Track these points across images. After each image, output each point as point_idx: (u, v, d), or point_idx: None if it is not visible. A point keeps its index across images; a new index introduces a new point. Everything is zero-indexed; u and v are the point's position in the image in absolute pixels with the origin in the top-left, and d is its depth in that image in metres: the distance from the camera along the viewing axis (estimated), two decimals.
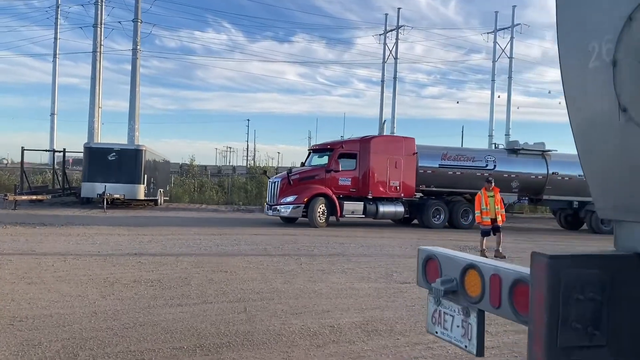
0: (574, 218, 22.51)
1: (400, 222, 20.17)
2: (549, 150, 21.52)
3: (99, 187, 21.82)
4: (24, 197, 21.05)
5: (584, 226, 22.04)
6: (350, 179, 18.19)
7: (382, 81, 55.80)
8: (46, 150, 25.57)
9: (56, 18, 43.67)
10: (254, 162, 47.87)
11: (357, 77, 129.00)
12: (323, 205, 17.47)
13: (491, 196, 11.62)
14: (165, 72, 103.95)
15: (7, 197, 20.15)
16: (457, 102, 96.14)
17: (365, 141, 18.71)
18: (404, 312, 6.41)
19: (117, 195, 22.02)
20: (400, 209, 18.75)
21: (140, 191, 22.79)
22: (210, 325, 5.51)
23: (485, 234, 11.67)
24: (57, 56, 44.58)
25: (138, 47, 38.40)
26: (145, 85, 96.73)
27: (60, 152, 25.65)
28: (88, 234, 13.28)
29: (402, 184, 18.74)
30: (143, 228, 15.15)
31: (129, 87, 37.78)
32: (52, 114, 43.98)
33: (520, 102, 76.65)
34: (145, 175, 23.06)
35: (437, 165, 19.90)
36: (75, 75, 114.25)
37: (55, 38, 43.83)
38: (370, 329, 5.63)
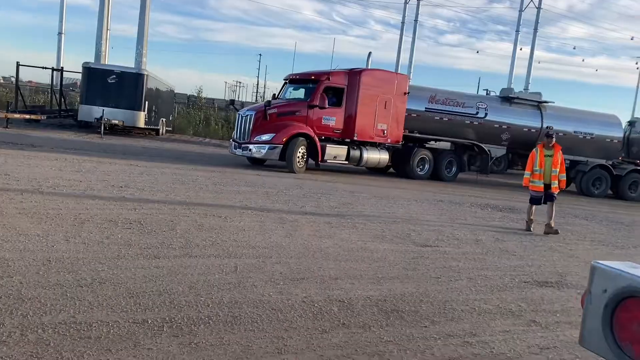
0: None
1: (378, 170, 17.58)
2: (545, 102, 19.55)
3: (96, 111, 20.52)
4: (17, 116, 19.83)
5: (571, 187, 20.53)
6: (334, 119, 15.49)
7: (403, 23, 52.90)
8: (43, 68, 24.08)
9: None
10: (263, 98, 46.19)
11: (375, 18, 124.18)
12: (304, 147, 14.83)
13: (549, 155, 9.41)
14: None
15: None
16: (477, 52, 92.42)
17: (354, 74, 15.82)
18: (429, 286, 5.25)
19: (115, 121, 20.76)
20: (385, 156, 16.47)
21: (140, 119, 21.49)
22: (189, 288, 4.36)
23: (534, 201, 9.53)
24: None
25: None
26: (156, 11, 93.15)
27: (58, 70, 24.19)
28: (76, 161, 12.10)
29: (390, 128, 16.31)
30: (137, 159, 13.95)
31: (139, 10, 35.72)
32: (60, 33, 41.89)
33: (540, 57, 72.97)
34: (147, 102, 21.69)
35: (424, 109, 17.61)
36: None
37: None
38: (389, 308, 4.47)
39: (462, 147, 18.60)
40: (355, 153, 15.76)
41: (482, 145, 18.44)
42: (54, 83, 25.09)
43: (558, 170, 9.43)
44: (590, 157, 19.43)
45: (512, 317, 4.61)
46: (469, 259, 6.70)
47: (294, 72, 17.21)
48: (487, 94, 20.90)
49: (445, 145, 18.19)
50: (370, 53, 19.16)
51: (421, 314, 4.41)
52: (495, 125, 18.60)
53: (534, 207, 9.60)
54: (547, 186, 9.47)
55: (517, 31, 53.52)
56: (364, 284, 5.06)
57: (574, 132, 19.34)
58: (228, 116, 32.48)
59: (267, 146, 14.63)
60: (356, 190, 12.46)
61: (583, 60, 72.99)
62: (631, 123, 21.36)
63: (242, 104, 30.42)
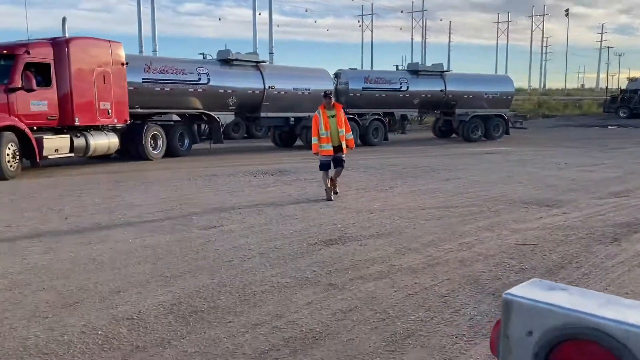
0: (287, 135, 21.20)
1: (100, 157, 14.70)
2: (263, 62, 19.77)
3: None
4: None
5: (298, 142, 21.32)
6: (46, 102, 12.45)
7: None
8: None
9: None
10: None
11: None
12: (14, 144, 11.55)
13: (332, 116, 8.83)
14: None
15: None
16: (219, 20, 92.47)
17: (60, 44, 12.93)
18: (223, 273, 4.93)
19: None
20: (114, 139, 14.17)
21: None
22: None
23: (324, 167, 8.89)
24: None
25: None
26: None
27: None
28: None
29: (114, 106, 14.05)
30: None
31: None
32: None
33: (278, 21, 76.15)
34: None
35: (141, 80, 15.59)
36: None
37: None
38: (186, 311, 4.04)
39: (190, 118, 17.48)
40: (80, 142, 13.09)
41: (211, 113, 17.35)
42: None
43: (344, 129, 8.97)
44: (311, 111, 20.42)
45: (311, 286, 4.61)
46: (256, 232, 6.58)
47: None
48: (203, 57, 19.79)
49: (173, 118, 16.97)
50: (64, 19, 14.55)
51: (222, 308, 4.09)
52: (220, 91, 17.54)
53: (326, 173, 8.99)
54: (337, 148, 8.90)
55: None
56: (152, 289, 4.50)
57: (294, 89, 19.65)
58: None
59: None
60: (120, 180, 11.37)
61: (315, 22, 78.95)
62: (337, 75, 22.10)
63: None
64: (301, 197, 9.25)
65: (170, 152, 15.99)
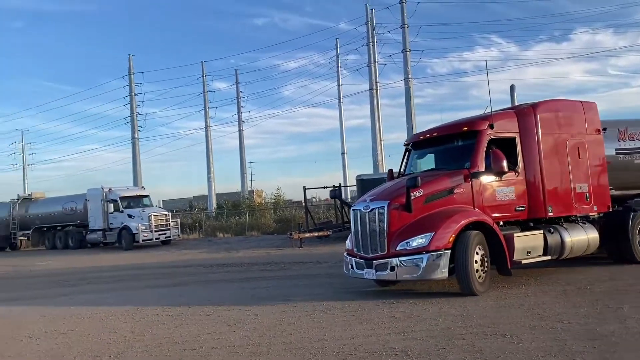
0: None
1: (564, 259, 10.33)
2: None
3: None
4: (307, 235, 21.82)
5: None
6: (512, 189, 9.65)
7: None
8: (324, 187, 26.91)
9: (337, 67, 47.15)
10: None
11: None
12: (481, 246, 8.79)
13: None
14: (439, 98, 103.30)
15: (292, 236, 21.15)
16: None
17: (526, 112, 10.15)
18: None
19: None
20: (593, 234, 10.32)
21: None
22: None
23: None
24: (341, 101, 48.25)
25: (409, 76, 38.51)
26: (422, 114, 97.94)
27: (336, 187, 26.40)
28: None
29: (592, 188, 10.47)
30: None
31: (405, 117, 38.18)
32: (343, 153, 47.65)
33: None
34: None
35: (613, 152, 11.74)
36: (361, 116, 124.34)
37: (338, 85, 47.48)
38: None
39: None
40: (554, 239, 9.74)
41: None
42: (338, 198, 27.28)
43: None
44: None
45: None
46: None
47: (424, 130, 11.18)
48: None
49: None
50: (513, 86, 11.88)
51: None
52: None
53: None
54: None
55: None
56: None
57: None
58: None
59: (425, 256, 8.48)
60: None
61: None
62: None
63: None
64: None
65: None
